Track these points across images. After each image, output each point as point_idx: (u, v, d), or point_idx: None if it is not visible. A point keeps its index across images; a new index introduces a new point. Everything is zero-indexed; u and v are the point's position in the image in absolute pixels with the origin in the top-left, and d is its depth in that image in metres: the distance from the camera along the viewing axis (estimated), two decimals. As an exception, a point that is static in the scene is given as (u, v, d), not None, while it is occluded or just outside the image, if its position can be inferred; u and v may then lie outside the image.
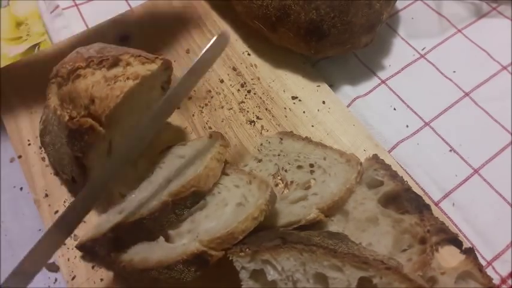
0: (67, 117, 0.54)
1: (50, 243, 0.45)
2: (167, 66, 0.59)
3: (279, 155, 0.62)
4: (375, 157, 0.59)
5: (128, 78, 0.53)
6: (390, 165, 0.57)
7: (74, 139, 0.54)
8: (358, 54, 0.77)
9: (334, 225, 0.54)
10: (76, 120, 0.53)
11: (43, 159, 0.64)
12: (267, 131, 0.67)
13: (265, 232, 0.51)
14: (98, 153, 0.56)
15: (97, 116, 0.52)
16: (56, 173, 0.62)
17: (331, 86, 0.72)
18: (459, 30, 0.79)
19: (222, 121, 0.68)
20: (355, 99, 0.72)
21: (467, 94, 0.72)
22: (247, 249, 0.47)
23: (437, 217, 0.56)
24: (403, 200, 0.54)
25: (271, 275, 0.46)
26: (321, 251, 0.44)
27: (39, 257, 0.45)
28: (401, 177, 0.56)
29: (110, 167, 0.48)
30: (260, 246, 0.47)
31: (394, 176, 0.56)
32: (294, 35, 0.68)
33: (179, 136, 0.66)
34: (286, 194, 0.58)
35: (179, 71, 0.71)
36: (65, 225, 0.46)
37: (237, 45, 0.76)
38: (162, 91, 0.62)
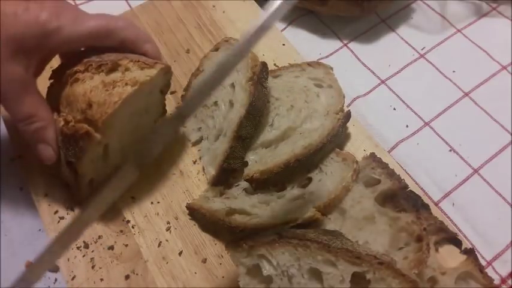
0: (62, 123, 0.53)
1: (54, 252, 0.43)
2: (167, 71, 0.58)
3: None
4: (372, 156, 0.59)
5: (126, 84, 0.53)
6: (387, 164, 0.57)
7: (68, 144, 0.53)
8: (358, 54, 0.77)
9: (331, 224, 0.54)
10: (71, 125, 0.52)
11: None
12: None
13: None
14: (91, 159, 0.56)
15: (93, 121, 0.51)
16: (53, 175, 0.62)
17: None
18: (459, 30, 0.79)
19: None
20: (354, 99, 0.72)
21: (467, 94, 0.72)
22: (244, 244, 0.48)
23: (436, 216, 0.56)
24: (400, 198, 0.54)
25: (267, 270, 0.47)
26: (315, 246, 0.45)
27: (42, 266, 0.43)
28: (399, 175, 0.56)
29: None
30: (257, 241, 0.47)
31: (391, 174, 0.56)
32: (345, 2, 0.75)
33: (179, 136, 0.66)
34: (284, 192, 0.58)
35: (179, 72, 0.72)
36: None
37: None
38: (161, 95, 0.62)
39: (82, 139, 0.52)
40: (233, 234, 0.54)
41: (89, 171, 0.57)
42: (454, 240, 0.56)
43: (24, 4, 0.49)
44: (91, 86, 0.53)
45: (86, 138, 0.52)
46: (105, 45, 0.55)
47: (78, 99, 0.52)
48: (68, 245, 0.42)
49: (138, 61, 0.55)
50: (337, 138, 0.60)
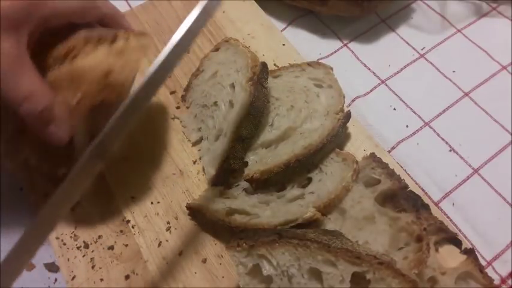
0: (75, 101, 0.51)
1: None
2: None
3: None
4: (372, 156, 0.59)
5: (136, 50, 0.53)
6: (387, 164, 0.57)
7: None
8: (358, 54, 0.77)
9: (331, 224, 0.55)
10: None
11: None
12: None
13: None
14: None
15: (116, 86, 0.51)
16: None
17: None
18: (459, 30, 0.79)
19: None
20: (354, 99, 0.72)
21: (467, 94, 0.72)
22: (244, 244, 0.48)
23: (436, 216, 0.56)
24: (400, 198, 0.54)
25: (267, 270, 0.47)
26: (315, 246, 0.45)
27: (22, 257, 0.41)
28: (399, 175, 0.56)
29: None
30: (257, 241, 0.47)
31: (391, 174, 0.56)
32: (345, 2, 0.75)
33: (179, 136, 0.66)
34: (284, 192, 0.58)
35: (179, 72, 0.72)
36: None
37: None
38: None
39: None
40: (233, 234, 0.54)
41: None
42: (454, 240, 0.56)
43: None
44: (102, 56, 0.52)
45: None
46: (87, 20, 0.55)
47: (89, 71, 0.51)
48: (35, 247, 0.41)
49: (132, 31, 0.56)
50: (337, 138, 0.60)
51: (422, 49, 0.77)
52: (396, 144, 0.67)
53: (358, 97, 0.72)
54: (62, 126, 0.50)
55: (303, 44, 0.77)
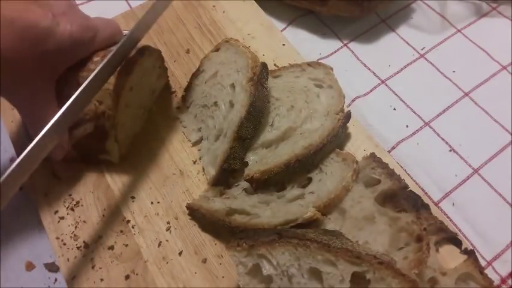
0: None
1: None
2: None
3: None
4: (372, 155, 0.59)
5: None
6: (387, 164, 0.57)
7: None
8: (358, 54, 0.77)
9: (331, 224, 0.54)
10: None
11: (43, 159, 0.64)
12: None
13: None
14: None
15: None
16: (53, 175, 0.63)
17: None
18: (459, 30, 0.79)
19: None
20: (354, 99, 0.72)
21: (467, 94, 0.72)
22: (244, 244, 0.48)
23: (436, 216, 0.56)
24: (400, 198, 0.54)
25: (267, 269, 0.47)
26: (315, 246, 0.45)
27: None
28: (399, 175, 0.56)
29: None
30: (257, 241, 0.47)
31: (391, 174, 0.56)
32: (345, 2, 0.75)
33: (179, 136, 0.67)
34: (284, 192, 0.58)
35: (179, 72, 0.72)
36: None
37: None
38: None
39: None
40: (233, 234, 0.54)
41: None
42: (454, 240, 0.56)
43: (53, 19, 0.50)
44: None
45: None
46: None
47: None
48: None
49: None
50: (337, 139, 0.60)
51: (422, 49, 0.77)
52: (396, 144, 0.67)
53: (358, 97, 0.72)
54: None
55: (303, 44, 0.77)
